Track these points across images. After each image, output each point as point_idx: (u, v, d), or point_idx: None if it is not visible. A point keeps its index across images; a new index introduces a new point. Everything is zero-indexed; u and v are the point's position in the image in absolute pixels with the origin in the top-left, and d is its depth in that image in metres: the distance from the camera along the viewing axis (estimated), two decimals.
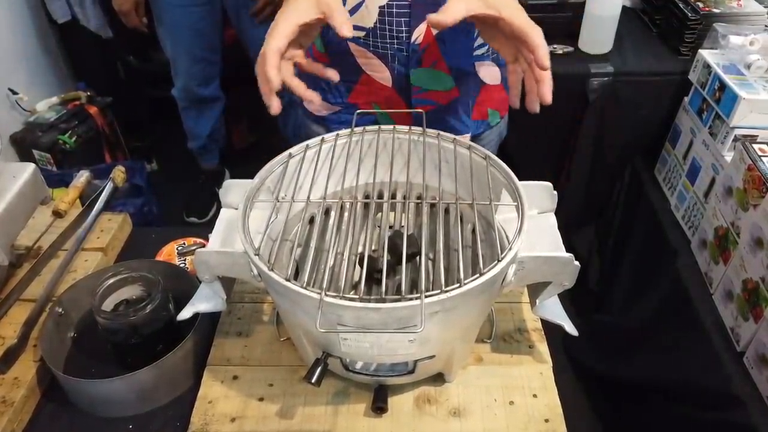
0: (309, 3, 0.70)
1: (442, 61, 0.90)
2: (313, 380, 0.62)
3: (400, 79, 0.91)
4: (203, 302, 0.72)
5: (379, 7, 0.84)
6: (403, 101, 0.94)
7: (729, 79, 1.22)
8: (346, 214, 0.76)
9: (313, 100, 0.74)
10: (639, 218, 1.55)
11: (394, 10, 0.84)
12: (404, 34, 0.86)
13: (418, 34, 0.86)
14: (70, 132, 1.95)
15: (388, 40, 0.87)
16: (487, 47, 0.91)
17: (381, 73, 0.91)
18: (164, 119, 2.48)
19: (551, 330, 0.80)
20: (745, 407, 0.97)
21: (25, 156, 1.93)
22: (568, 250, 0.65)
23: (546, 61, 0.67)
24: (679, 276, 1.24)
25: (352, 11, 0.85)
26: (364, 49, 0.89)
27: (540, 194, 0.72)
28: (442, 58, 0.89)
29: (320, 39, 0.92)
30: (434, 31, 0.86)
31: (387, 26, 0.85)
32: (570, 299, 0.72)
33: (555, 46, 1.55)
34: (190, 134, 2.12)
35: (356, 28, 0.86)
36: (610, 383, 1.47)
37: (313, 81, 0.97)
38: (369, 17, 0.85)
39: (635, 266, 1.52)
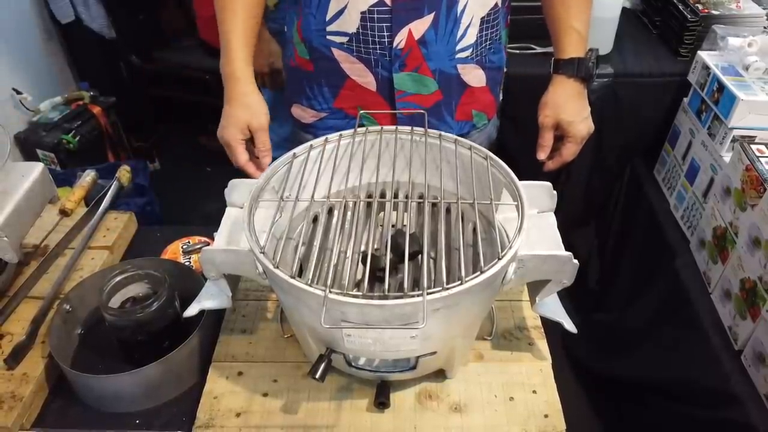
0: (236, 128, 0.83)
1: (425, 65, 0.90)
2: (317, 376, 0.64)
3: (384, 84, 0.92)
4: (209, 299, 0.73)
5: (361, 13, 0.85)
6: (387, 105, 0.94)
7: (727, 81, 1.23)
8: (349, 213, 0.78)
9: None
10: (638, 218, 1.56)
11: (376, 15, 0.85)
12: (386, 39, 0.87)
13: (400, 38, 0.87)
14: (73, 132, 1.96)
15: (371, 45, 0.88)
16: (470, 50, 0.92)
17: (365, 78, 0.92)
18: (167, 119, 2.50)
19: (551, 329, 0.81)
20: (743, 405, 0.97)
21: (28, 155, 1.94)
22: (567, 249, 0.66)
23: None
24: (677, 275, 1.24)
25: (335, 17, 0.87)
26: (347, 54, 0.90)
27: (540, 194, 0.73)
28: (425, 61, 0.90)
29: (303, 44, 0.93)
30: (416, 36, 0.87)
31: (369, 31, 0.87)
32: (570, 298, 0.73)
33: None
34: None
35: (339, 33, 0.88)
36: (609, 381, 1.48)
37: (298, 88, 0.99)
38: (351, 22, 0.86)
39: (634, 266, 1.53)
